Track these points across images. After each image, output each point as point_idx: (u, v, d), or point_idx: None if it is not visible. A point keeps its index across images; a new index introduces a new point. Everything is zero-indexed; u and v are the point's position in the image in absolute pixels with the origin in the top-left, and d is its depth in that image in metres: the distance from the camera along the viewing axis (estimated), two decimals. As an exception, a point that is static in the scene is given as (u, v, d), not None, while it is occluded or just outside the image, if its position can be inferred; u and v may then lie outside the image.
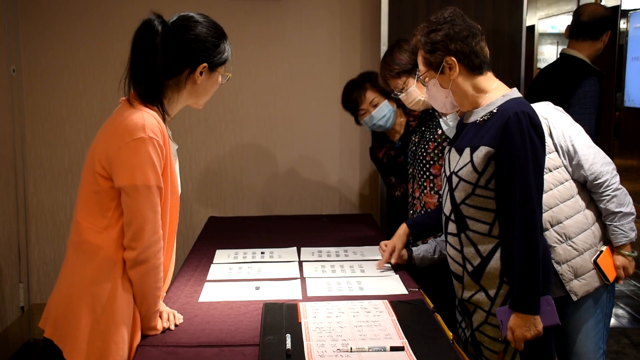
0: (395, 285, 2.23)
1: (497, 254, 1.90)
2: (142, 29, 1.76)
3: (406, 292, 2.15)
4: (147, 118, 1.69)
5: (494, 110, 1.88)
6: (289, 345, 1.69)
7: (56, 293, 1.76)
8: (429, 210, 2.50)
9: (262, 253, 2.62)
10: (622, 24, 3.59)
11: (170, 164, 1.77)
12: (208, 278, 2.31)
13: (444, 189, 2.03)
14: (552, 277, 2.04)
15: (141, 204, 1.67)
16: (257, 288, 2.19)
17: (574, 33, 3.13)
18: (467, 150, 1.91)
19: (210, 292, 2.15)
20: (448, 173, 1.99)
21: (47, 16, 3.71)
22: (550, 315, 1.85)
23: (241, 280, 2.29)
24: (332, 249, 2.69)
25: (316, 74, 3.85)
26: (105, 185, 1.70)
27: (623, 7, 3.59)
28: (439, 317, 1.93)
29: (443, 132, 2.45)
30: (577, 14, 3.17)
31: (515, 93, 1.93)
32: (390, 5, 3.45)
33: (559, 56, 3.23)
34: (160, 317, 1.83)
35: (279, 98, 3.88)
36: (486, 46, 1.96)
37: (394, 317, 1.89)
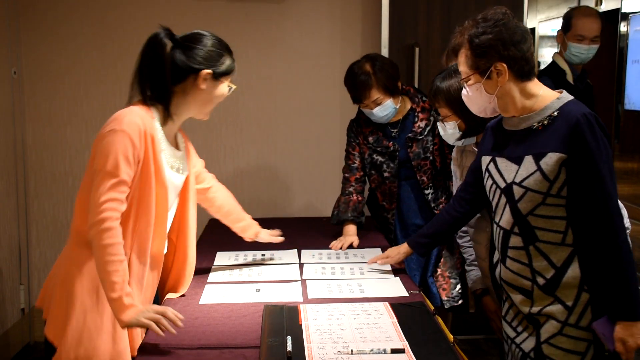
0: (395, 287, 2.23)
1: (575, 263, 1.78)
2: (151, 42, 1.89)
3: (407, 294, 2.15)
4: (129, 115, 1.82)
5: (555, 114, 1.78)
6: (289, 347, 1.69)
7: (51, 272, 1.94)
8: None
9: (263, 255, 2.62)
10: (623, 27, 3.59)
11: (156, 164, 1.86)
12: (208, 280, 2.31)
13: (497, 202, 1.90)
14: None
15: (93, 186, 1.76)
16: (258, 290, 2.19)
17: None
18: (528, 159, 1.79)
19: (211, 295, 2.16)
20: (503, 184, 1.85)
21: (48, 18, 3.72)
22: None
23: (242, 282, 2.29)
24: (333, 251, 2.69)
25: (317, 77, 3.85)
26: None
27: (623, 10, 3.59)
28: (439, 320, 1.93)
29: None
30: (567, 18, 3.18)
31: (567, 95, 1.83)
32: (391, 8, 3.46)
33: (551, 61, 3.24)
34: (161, 319, 1.76)
35: (279, 100, 3.88)
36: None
37: (395, 320, 1.89)
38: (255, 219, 2.72)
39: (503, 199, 1.86)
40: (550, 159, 1.75)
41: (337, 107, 3.86)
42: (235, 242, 2.62)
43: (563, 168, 1.74)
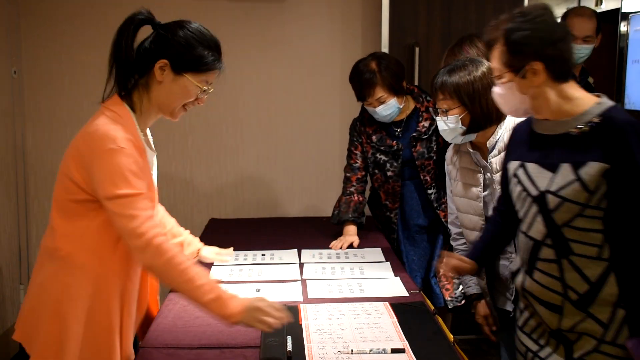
0: (395, 287, 2.23)
1: (612, 278, 1.65)
2: (124, 21, 1.73)
3: (407, 294, 2.15)
4: (118, 130, 1.65)
5: (596, 120, 1.63)
6: (289, 347, 1.69)
7: (27, 299, 1.77)
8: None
9: (263, 255, 2.62)
10: (623, 27, 3.59)
11: (149, 176, 1.74)
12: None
13: (526, 210, 1.76)
14: None
15: (115, 214, 1.63)
16: (258, 290, 2.19)
17: None
18: (565, 167, 1.65)
19: (211, 294, 2.15)
20: (535, 192, 1.71)
21: (49, 18, 3.72)
22: None
23: (242, 282, 2.29)
24: (333, 251, 2.69)
25: (317, 76, 3.85)
26: (82, 195, 1.68)
27: (623, 10, 3.59)
28: (439, 319, 1.93)
29: None
30: (563, 18, 3.19)
31: (607, 100, 1.69)
32: (391, 8, 3.46)
33: None
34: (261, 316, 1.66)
35: (279, 100, 3.88)
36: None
37: (395, 319, 1.89)
38: (256, 219, 2.72)
39: (534, 208, 1.73)
40: (592, 169, 1.61)
41: (338, 106, 3.86)
42: (235, 242, 2.61)
43: (605, 179, 1.61)
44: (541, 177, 1.70)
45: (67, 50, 3.74)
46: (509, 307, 2.16)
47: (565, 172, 1.65)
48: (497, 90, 1.78)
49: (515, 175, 1.79)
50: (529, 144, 1.78)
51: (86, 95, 3.77)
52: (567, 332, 1.71)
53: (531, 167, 1.74)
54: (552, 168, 1.68)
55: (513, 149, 1.86)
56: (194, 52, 1.72)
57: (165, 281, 1.67)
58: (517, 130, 1.89)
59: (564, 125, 1.68)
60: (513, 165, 1.81)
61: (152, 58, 1.71)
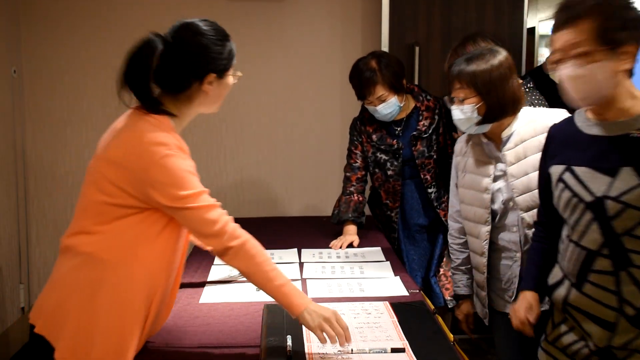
0: (396, 286, 2.23)
1: None
2: (141, 49, 1.71)
3: (407, 294, 2.15)
4: (168, 136, 1.66)
5: None
6: (290, 346, 1.69)
7: (51, 294, 1.73)
8: None
9: (263, 254, 2.62)
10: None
11: None
12: (208, 279, 2.31)
13: (577, 218, 1.63)
14: None
15: (182, 216, 1.64)
16: (258, 289, 2.18)
17: None
18: (627, 171, 1.53)
19: (211, 294, 2.16)
20: (589, 198, 1.59)
21: (49, 17, 3.72)
22: None
23: (242, 281, 2.29)
24: (333, 251, 2.69)
25: (317, 75, 3.86)
26: (130, 201, 1.65)
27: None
28: (439, 319, 1.93)
29: None
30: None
31: None
32: (391, 8, 3.46)
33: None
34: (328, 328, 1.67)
35: (279, 99, 3.89)
36: None
37: (395, 319, 1.89)
38: (256, 219, 2.72)
39: (588, 215, 1.60)
40: None
41: (338, 106, 3.86)
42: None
43: None
44: (596, 182, 1.58)
45: (67, 50, 3.75)
46: (508, 309, 2.15)
47: (627, 176, 1.53)
48: (571, 72, 1.56)
49: (562, 180, 1.66)
50: (575, 146, 1.66)
51: (86, 94, 3.77)
52: (618, 349, 1.60)
53: (581, 171, 1.62)
54: (610, 172, 1.56)
55: (553, 152, 1.74)
56: (224, 52, 1.80)
57: (236, 264, 1.69)
58: (556, 132, 1.77)
59: (621, 126, 1.57)
60: (557, 169, 1.68)
61: (191, 76, 1.74)
